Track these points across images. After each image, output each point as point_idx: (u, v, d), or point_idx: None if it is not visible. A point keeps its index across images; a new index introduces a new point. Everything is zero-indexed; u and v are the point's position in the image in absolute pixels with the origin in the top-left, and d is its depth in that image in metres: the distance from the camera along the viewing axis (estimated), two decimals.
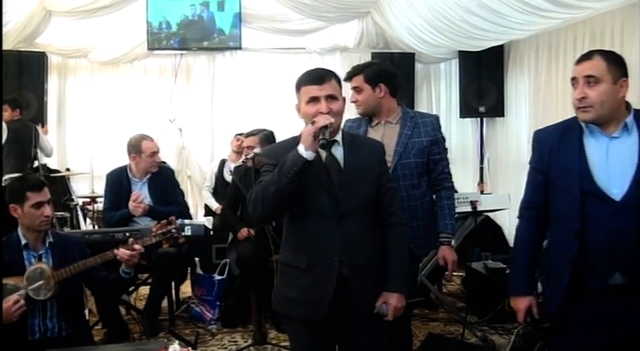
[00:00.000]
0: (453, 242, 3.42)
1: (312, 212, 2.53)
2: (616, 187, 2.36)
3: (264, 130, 5.10)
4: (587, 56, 2.41)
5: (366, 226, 2.58)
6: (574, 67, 2.43)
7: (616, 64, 2.37)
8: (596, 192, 2.37)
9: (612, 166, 2.38)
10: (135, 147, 4.94)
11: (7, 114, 6.16)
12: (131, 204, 4.77)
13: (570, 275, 2.42)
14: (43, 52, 7.22)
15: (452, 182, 3.51)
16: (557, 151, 2.49)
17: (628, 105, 2.43)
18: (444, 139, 3.55)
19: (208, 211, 6.62)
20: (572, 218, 2.41)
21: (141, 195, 4.82)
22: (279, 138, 4.83)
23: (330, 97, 2.50)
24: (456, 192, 5.45)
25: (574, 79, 2.41)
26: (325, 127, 2.38)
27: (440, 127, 3.52)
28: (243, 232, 4.91)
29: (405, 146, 3.29)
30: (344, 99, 2.56)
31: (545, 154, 2.54)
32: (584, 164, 2.40)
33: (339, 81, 2.57)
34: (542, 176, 2.55)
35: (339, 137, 2.57)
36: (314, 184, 2.50)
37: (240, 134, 6.67)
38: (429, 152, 3.36)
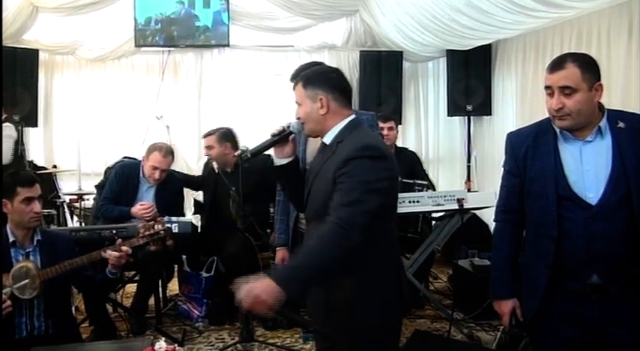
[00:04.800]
0: None
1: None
2: (591, 192, 2.36)
3: (222, 127, 5.08)
4: (560, 65, 2.35)
5: None
6: (546, 74, 2.39)
7: (590, 70, 2.34)
8: (571, 197, 2.38)
9: (586, 170, 2.38)
10: (147, 151, 4.91)
11: None
12: (139, 210, 4.74)
13: (547, 281, 2.44)
14: (37, 49, 7.18)
15: None
16: (532, 155, 2.49)
17: (601, 106, 2.43)
18: (382, 136, 3.57)
19: (197, 209, 6.61)
20: (548, 223, 2.42)
21: (153, 207, 4.78)
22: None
23: (297, 103, 2.51)
24: (434, 189, 5.50)
25: (548, 88, 2.38)
26: (280, 132, 2.52)
27: (377, 124, 3.53)
28: None
29: None
30: (321, 99, 2.40)
31: (519, 157, 2.54)
32: (560, 169, 2.41)
33: (305, 84, 2.45)
34: (517, 180, 2.56)
35: (328, 139, 2.46)
36: (306, 185, 2.55)
37: None
38: None
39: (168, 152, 4.88)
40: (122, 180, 4.90)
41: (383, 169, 2.31)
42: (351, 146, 2.33)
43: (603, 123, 2.40)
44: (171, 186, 5.03)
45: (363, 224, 2.21)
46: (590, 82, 2.33)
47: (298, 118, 2.52)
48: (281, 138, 2.54)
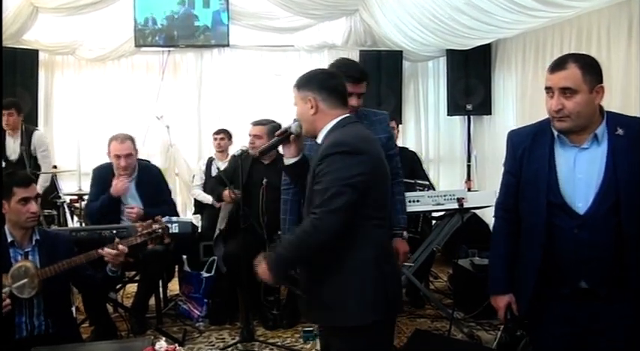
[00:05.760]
0: (405, 234, 3.52)
1: None
2: (580, 201, 2.37)
3: (273, 121, 5.02)
4: (561, 65, 2.34)
5: None
6: (547, 74, 2.38)
7: (591, 71, 2.32)
8: (561, 205, 2.39)
9: (578, 178, 2.38)
10: (107, 146, 4.84)
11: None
12: (117, 189, 4.73)
13: (535, 283, 2.47)
14: (37, 50, 7.17)
15: (402, 176, 3.59)
16: (529, 157, 2.51)
17: (601, 109, 2.41)
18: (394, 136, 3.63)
19: (197, 209, 6.61)
20: (538, 230, 2.44)
21: (135, 207, 4.77)
22: None
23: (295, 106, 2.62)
24: (434, 189, 5.51)
25: (549, 89, 2.37)
26: (282, 133, 2.69)
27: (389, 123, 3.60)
28: (226, 194, 4.87)
29: None
30: (310, 100, 2.52)
31: (517, 157, 2.55)
32: (553, 175, 2.42)
33: (298, 86, 2.59)
34: (515, 179, 2.58)
35: (320, 138, 2.55)
36: None
37: (218, 133, 6.66)
38: (386, 148, 3.41)
39: (126, 138, 4.82)
40: (99, 182, 4.87)
41: (356, 164, 2.36)
42: (327, 143, 2.43)
43: (601, 129, 2.38)
44: (148, 174, 4.99)
45: (331, 223, 2.33)
46: (591, 84, 2.31)
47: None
48: (283, 138, 2.69)
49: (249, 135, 4.97)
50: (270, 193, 4.80)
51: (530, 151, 2.50)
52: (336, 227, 2.33)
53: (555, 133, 2.44)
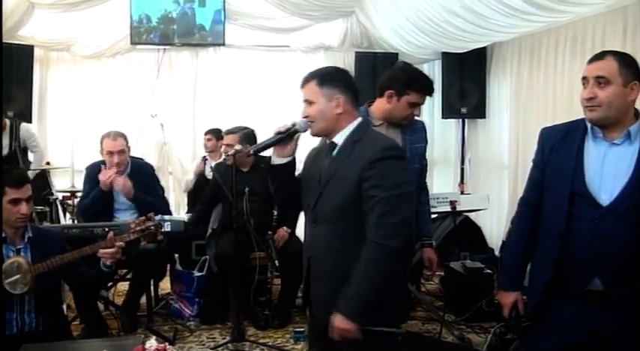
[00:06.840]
0: (433, 243, 3.57)
1: (304, 211, 2.61)
2: (605, 193, 2.37)
3: (245, 128, 5.06)
4: (599, 56, 2.39)
5: (336, 235, 2.43)
6: (585, 66, 2.42)
7: (628, 66, 2.35)
8: (584, 194, 2.39)
9: (606, 171, 2.38)
10: (100, 144, 4.85)
11: None
12: (102, 175, 4.70)
13: (549, 275, 2.46)
14: (32, 46, 7.15)
15: (427, 186, 3.65)
16: (557, 151, 2.51)
17: (637, 112, 2.42)
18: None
19: (190, 208, 6.59)
20: (558, 219, 2.44)
21: (109, 171, 4.73)
22: (260, 136, 4.83)
23: (307, 102, 2.50)
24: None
25: (584, 79, 2.40)
26: (287, 130, 2.50)
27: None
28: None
29: (410, 152, 3.34)
30: (337, 98, 2.43)
31: (545, 152, 2.56)
32: (579, 166, 2.42)
33: (320, 82, 2.46)
34: (540, 174, 2.58)
35: (339, 139, 2.48)
36: (312, 185, 2.54)
37: (206, 134, 6.65)
38: (423, 157, 3.47)
39: (117, 135, 4.84)
40: (92, 181, 4.86)
41: (404, 169, 2.40)
42: (374, 147, 2.37)
43: (635, 127, 2.38)
44: (140, 171, 5.00)
45: (398, 232, 2.29)
46: (626, 78, 2.33)
47: (305, 117, 2.51)
48: (287, 136, 2.54)
49: (222, 144, 4.99)
50: (253, 198, 4.88)
51: (560, 146, 2.51)
52: (402, 235, 2.29)
53: (589, 126, 2.44)
